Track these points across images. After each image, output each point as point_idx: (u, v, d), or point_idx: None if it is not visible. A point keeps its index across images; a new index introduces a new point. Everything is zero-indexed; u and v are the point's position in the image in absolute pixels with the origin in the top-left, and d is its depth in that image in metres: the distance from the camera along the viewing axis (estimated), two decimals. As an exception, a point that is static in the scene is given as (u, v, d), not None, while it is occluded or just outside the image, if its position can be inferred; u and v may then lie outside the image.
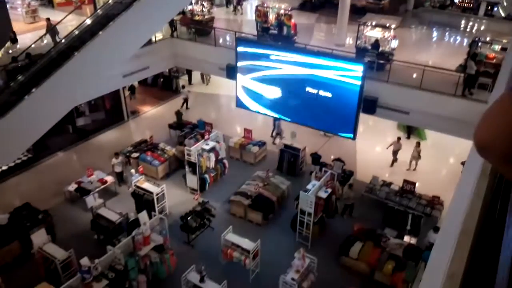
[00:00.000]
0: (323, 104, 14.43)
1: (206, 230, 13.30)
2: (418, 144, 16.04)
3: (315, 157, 15.98)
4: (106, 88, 16.02)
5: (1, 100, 10.60)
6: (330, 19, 22.91)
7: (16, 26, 16.75)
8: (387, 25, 17.10)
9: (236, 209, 14.13)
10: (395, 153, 16.60)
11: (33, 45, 13.13)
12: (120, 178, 15.40)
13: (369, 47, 16.30)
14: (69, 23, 15.10)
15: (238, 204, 13.97)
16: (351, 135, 14.50)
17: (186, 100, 21.64)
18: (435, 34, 23.99)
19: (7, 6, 18.46)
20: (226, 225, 12.40)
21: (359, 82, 13.33)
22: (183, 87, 22.90)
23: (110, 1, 12.59)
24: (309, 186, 12.74)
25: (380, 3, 25.27)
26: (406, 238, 12.28)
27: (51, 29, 15.73)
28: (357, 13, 21.42)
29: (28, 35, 18.26)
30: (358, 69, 13.28)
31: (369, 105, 13.75)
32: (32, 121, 10.65)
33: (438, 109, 12.97)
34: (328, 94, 14.19)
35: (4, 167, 15.69)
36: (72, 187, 14.50)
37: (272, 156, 17.12)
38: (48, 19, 16.81)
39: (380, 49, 15.99)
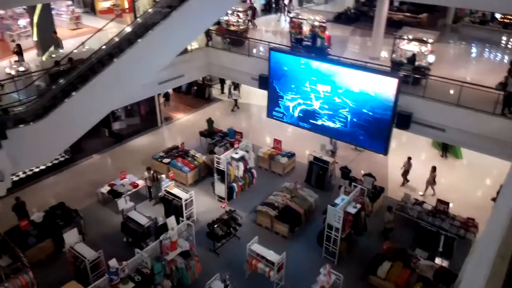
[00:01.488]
0: (354, 117, 14.26)
1: (232, 239, 13.32)
2: (434, 168, 15.38)
3: (345, 171, 15.74)
4: (142, 94, 16.48)
5: (44, 102, 11.09)
6: (365, 32, 22.68)
7: (60, 31, 17.53)
8: (424, 39, 16.73)
9: (262, 219, 14.09)
10: (405, 173, 16.15)
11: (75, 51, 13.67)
12: (152, 193, 15.31)
13: (405, 61, 16.00)
14: (109, 30, 15.65)
15: (265, 215, 13.92)
16: (383, 151, 14.21)
17: (236, 101, 22.71)
18: (474, 50, 23.26)
19: (53, 12, 19.49)
20: (252, 235, 12.36)
21: (393, 96, 13.11)
22: (235, 88, 23.36)
23: (150, 10, 12.98)
24: (337, 201, 12.53)
25: (418, 17, 24.77)
26: (438, 260, 11.78)
27: (55, 40, 16.84)
28: (393, 26, 21.10)
29: (70, 41, 19.08)
30: (392, 83, 13.06)
31: (403, 120, 13.43)
32: (71, 123, 11.06)
33: (475, 127, 12.50)
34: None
35: (43, 167, 16.41)
36: (105, 189, 14.92)
37: (301, 168, 17.01)
38: (54, 32, 17.62)
39: (416, 63, 15.65)
